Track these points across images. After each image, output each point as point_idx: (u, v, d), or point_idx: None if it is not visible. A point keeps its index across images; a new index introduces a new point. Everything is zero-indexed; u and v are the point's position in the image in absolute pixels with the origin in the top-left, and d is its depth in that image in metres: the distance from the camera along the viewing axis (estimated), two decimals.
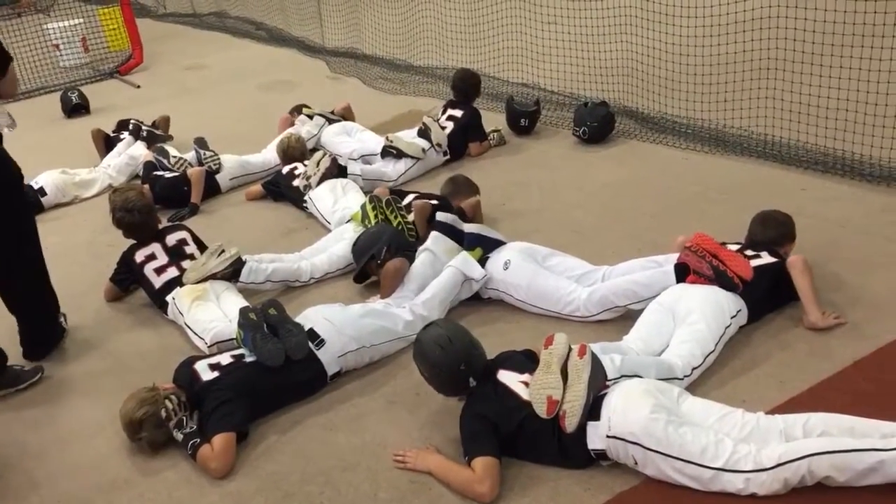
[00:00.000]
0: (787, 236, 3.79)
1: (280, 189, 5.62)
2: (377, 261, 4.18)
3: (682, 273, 3.57)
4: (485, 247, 4.10)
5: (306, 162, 5.53)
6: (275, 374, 3.37)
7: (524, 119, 6.33)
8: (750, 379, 3.26)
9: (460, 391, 3.07)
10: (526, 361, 3.07)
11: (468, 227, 4.24)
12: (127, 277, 4.48)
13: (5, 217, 3.81)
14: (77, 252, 5.30)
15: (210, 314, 3.96)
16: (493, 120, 6.39)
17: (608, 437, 2.77)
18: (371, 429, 3.28)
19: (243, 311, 3.51)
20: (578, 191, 5.26)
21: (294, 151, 5.80)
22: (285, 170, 5.69)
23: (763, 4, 5.75)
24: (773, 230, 3.77)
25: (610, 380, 2.96)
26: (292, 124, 6.48)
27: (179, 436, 3.20)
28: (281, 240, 5.09)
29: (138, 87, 9.69)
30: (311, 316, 3.68)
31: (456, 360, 3.00)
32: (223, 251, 4.23)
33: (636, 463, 2.76)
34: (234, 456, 3.15)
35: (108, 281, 4.54)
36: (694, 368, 3.20)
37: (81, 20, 11.05)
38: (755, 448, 2.64)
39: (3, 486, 3.22)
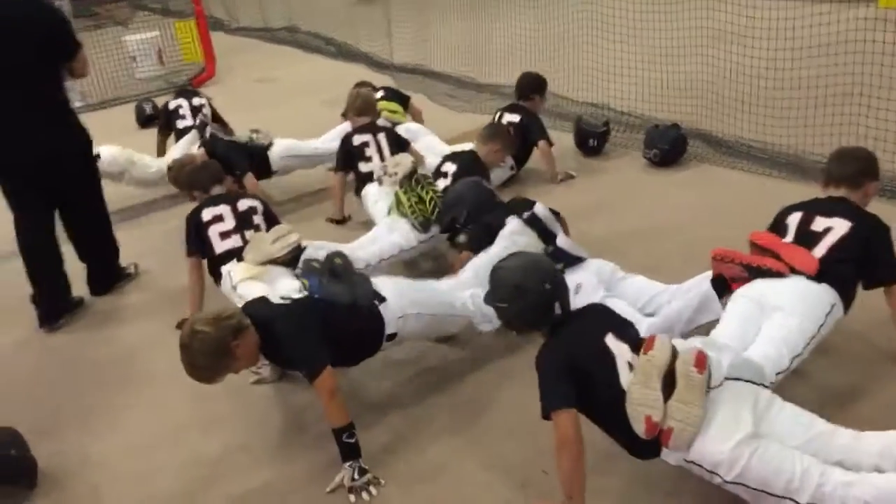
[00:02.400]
0: (867, 173, 3.34)
1: (353, 160, 5.42)
2: (458, 224, 4.25)
3: (722, 286, 3.38)
4: (567, 262, 3.98)
5: (383, 146, 5.41)
6: (340, 311, 3.30)
7: (593, 140, 6.22)
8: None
9: (544, 320, 2.81)
10: (637, 335, 2.81)
11: (559, 241, 4.07)
12: (199, 242, 4.25)
13: (84, 177, 4.76)
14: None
15: (262, 291, 3.86)
16: (561, 140, 6.29)
17: (685, 460, 2.57)
18: (429, 455, 3.23)
19: (306, 262, 3.50)
20: (647, 216, 5.13)
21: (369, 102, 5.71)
22: (356, 141, 5.45)
23: (847, 28, 5.56)
24: (851, 165, 3.36)
25: (711, 388, 2.63)
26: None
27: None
28: (335, 231, 5.16)
29: (210, 99, 9.85)
30: (372, 279, 3.61)
31: (541, 279, 2.77)
32: (285, 235, 4.18)
33: (710, 479, 2.57)
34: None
35: (188, 259, 4.26)
36: (779, 373, 2.92)
37: (158, 33, 11.34)
38: (843, 481, 2.41)
39: (66, 496, 3.25)
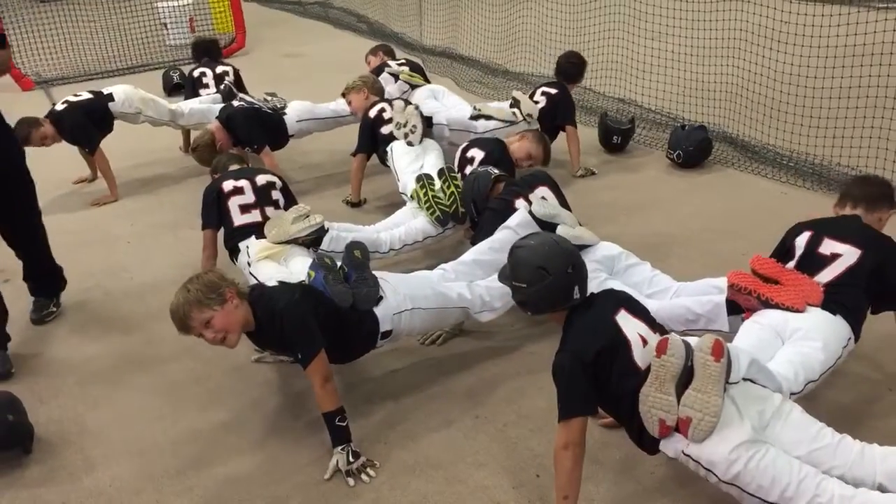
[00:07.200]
0: (887, 198, 3.36)
1: (376, 138, 5.41)
2: (474, 218, 4.30)
3: (736, 307, 3.30)
4: None
5: (394, 103, 5.39)
6: (335, 307, 3.29)
7: (617, 136, 6.14)
8: None
9: (563, 303, 2.74)
10: (648, 311, 2.80)
11: (559, 232, 3.98)
12: (217, 213, 4.23)
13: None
14: (160, 234, 5.41)
15: (277, 270, 3.89)
16: (585, 135, 6.20)
17: (684, 453, 2.54)
18: (424, 448, 3.20)
19: (321, 254, 3.50)
20: (665, 218, 5.05)
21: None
22: (372, 113, 5.45)
23: (885, 40, 5.42)
24: (873, 188, 3.39)
25: (730, 382, 2.57)
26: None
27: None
28: (350, 213, 5.15)
29: (237, 70, 9.83)
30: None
31: (565, 262, 2.71)
32: (308, 216, 4.14)
33: (705, 476, 2.54)
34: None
35: (203, 232, 4.28)
36: (792, 394, 2.83)
37: (191, 1, 11.31)
38: (840, 495, 2.37)
39: (60, 464, 3.25)
